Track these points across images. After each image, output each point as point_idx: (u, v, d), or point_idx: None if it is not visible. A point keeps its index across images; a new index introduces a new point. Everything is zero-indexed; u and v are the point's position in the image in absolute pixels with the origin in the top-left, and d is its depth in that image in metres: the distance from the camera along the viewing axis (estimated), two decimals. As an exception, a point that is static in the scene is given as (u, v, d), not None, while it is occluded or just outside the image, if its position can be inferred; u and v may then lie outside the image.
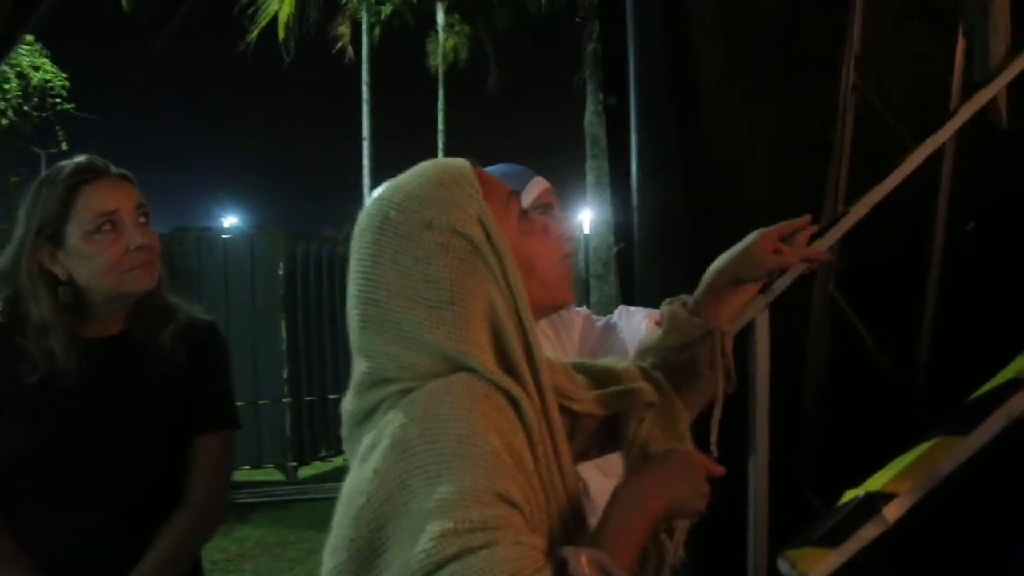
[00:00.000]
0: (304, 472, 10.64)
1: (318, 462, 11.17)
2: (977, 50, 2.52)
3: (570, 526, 1.21)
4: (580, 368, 1.50)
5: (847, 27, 2.87)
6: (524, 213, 1.31)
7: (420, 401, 1.13)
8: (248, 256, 10.41)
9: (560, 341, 2.39)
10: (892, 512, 1.18)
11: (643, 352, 1.67)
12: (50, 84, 17.66)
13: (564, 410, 1.31)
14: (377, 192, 1.30)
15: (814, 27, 2.91)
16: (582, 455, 1.46)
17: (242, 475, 9.04)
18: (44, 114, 17.97)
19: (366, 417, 1.21)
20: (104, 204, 2.00)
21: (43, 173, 2.05)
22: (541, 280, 1.28)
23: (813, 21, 2.90)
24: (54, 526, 2.00)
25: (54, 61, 17.81)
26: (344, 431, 1.26)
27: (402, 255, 1.21)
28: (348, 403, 1.25)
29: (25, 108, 17.77)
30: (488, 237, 1.22)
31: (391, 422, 1.13)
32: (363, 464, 1.14)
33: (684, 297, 1.64)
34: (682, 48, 2.77)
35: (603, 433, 1.49)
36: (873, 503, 1.19)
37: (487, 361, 1.18)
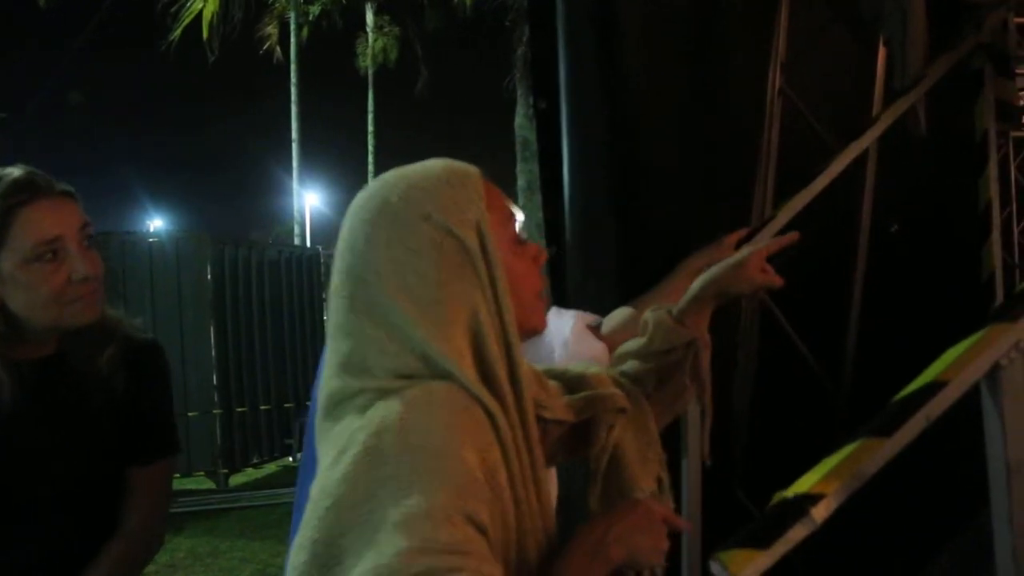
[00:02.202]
0: (236, 480, 10.48)
1: (250, 468, 11.02)
2: (897, 59, 2.59)
3: (542, 542, 1.20)
4: (551, 374, 1.50)
5: (773, 33, 2.92)
6: (519, 237, 1.30)
7: (398, 409, 1.10)
8: (174, 261, 10.20)
9: None
10: (820, 513, 1.21)
11: (621, 356, 1.67)
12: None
13: (535, 417, 1.29)
14: (382, 176, 1.28)
15: (740, 32, 2.95)
16: (548, 459, 1.45)
17: (173, 484, 8.83)
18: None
19: (337, 405, 1.18)
20: (46, 230, 1.75)
21: None
22: (520, 302, 1.25)
23: (740, 27, 2.95)
24: None
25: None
26: (317, 418, 1.22)
27: (396, 242, 1.19)
28: (324, 385, 1.21)
29: (-66, 107, 17.22)
30: (483, 246, 1.20)
31: (365, 428, 1.10)
32: (333, 467, 1.09)
33: (668, 306, 1.63)
34: (611, 52, 2.79)
35: (571, 439, 1.47)
36: (801, 505, 1.22)
37: (467, 369, 1.15)
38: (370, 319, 1.18)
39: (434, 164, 1.27)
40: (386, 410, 1.09)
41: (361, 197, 1.26)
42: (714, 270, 1.73)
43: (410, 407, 1.09)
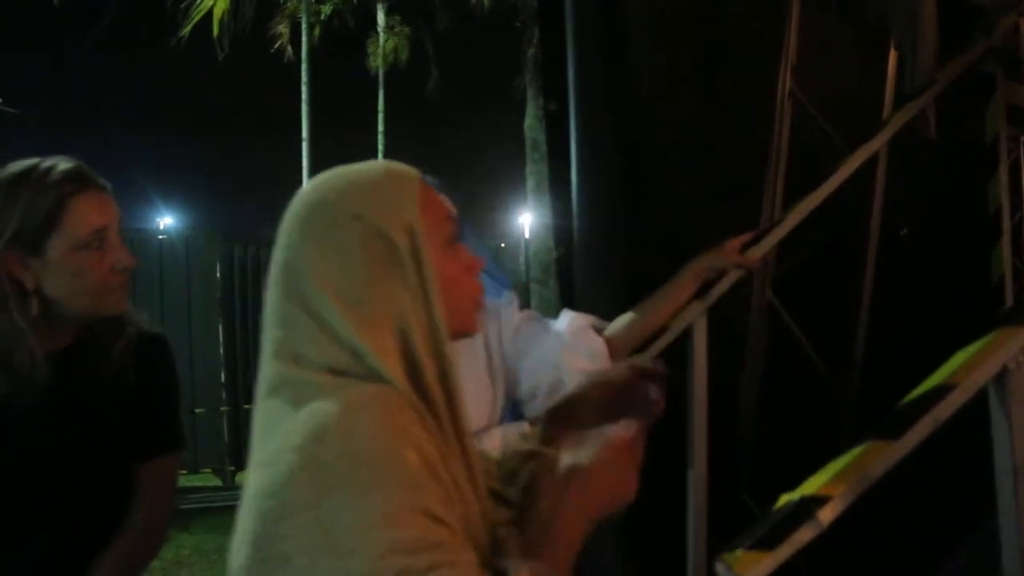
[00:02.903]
0: (242, 477, 10.41)
1: (257, 466, 10.99)
2: (907, 63, 2.59)
3: (483, 539, 1.21)
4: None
5: (784, 36, 2.92)
6: (454, 241, 1.31)
7: (335, 412, 1.11)
8: (184, 258, 10.20)
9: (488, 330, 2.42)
10: (826, 515, 1.21)
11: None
12: (-27, 79, 17.19)
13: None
14: (324, 173, 1.30)
15: (751, 35, 2.95)
16: None
17: (179, 480, 8.84)
18: (-32, 110, 17.48)
19: (272, 391, 1.20)
20: (96, 219, 1.84)
21: (9, 172, 1.83)
22: (451, 306, 1.26)
23: (750, 29, 2.95)
24: None
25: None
26: (256, 402, 1.23)
27: (326, 239, 1.21)
28: (261, 371, 1.23)
29: (-53, 103, 17.29)
30: (414, 247, 1.22)
31: (300, 431, 1.11)
32: (269, 466, 1.12)
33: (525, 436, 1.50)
34: (620, 55, 2.79)
35: None
36: (807, 507, 1.21)
37: (393, 367, 1.17)
38: (303, 310, 1.20)
39: (374, 165, 1.30)
40: (322, 415, 1.11)
41: (302, 192, 1.28)
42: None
43: (346, 411, 1.11)
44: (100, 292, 1.87)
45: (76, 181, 1.84)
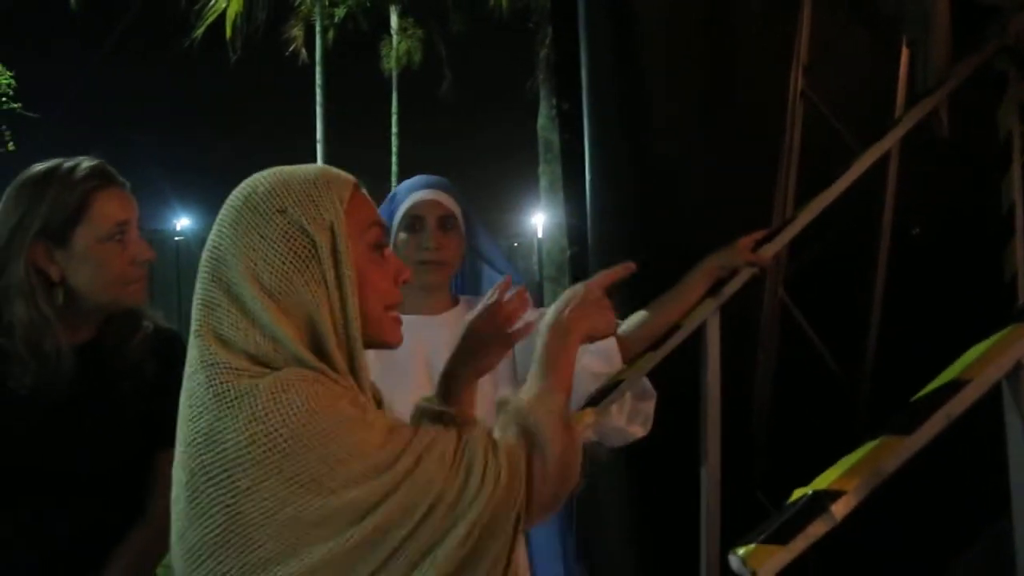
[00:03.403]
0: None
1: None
2: (920, 61, 2.59)
3: None
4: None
5: (795, 35, 2.93)
6: (380, 247, 1.38)
7: (263, 395, 1.19)
8: (200, 259, 10.28)
9: None
10: (839, 510, 1.21)
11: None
12: (-4, 83, 17.28)
13: None
14: (264, 170, 1.38)
15: (762, 34, 2.96)
16: None
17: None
18: (-10, 113, 17.57)
19: (197, 371, 1.27)
20: (118, 213, 1.96)
21: (37, 170, 1.95)
22: (365, 310, 1.33)
23: (761, 28, 2.95)
24: (15, 547, 1.93)
25: (0, 60, 17.44)
26: (184, 375, 1.32)
27: (253, 230, 1.28)
28: (189, 349, 1.31)
29: (-30, 107, 17.37)
30: (333, 246, 1.29)
31: (236, 415, 1.19)
32: (212, 448, 1.20)
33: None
34: (633, 55, 2.80)
35: None
36: (821, 501, 1.22)
37: (308, 355, 1.25)
38: (227, 296, 1.28)
39: (311, 166, 1.38)
40: (252, 397, 1.19)
41: (241, 184, 1.37)
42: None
43: (276, 390, 1.19)
44: (121, 283, 1.97)
45: (100, 178, 1.95)
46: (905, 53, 2.79)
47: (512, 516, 1.22)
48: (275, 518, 1.15)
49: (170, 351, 2.09)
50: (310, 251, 1.28)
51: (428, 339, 2.26)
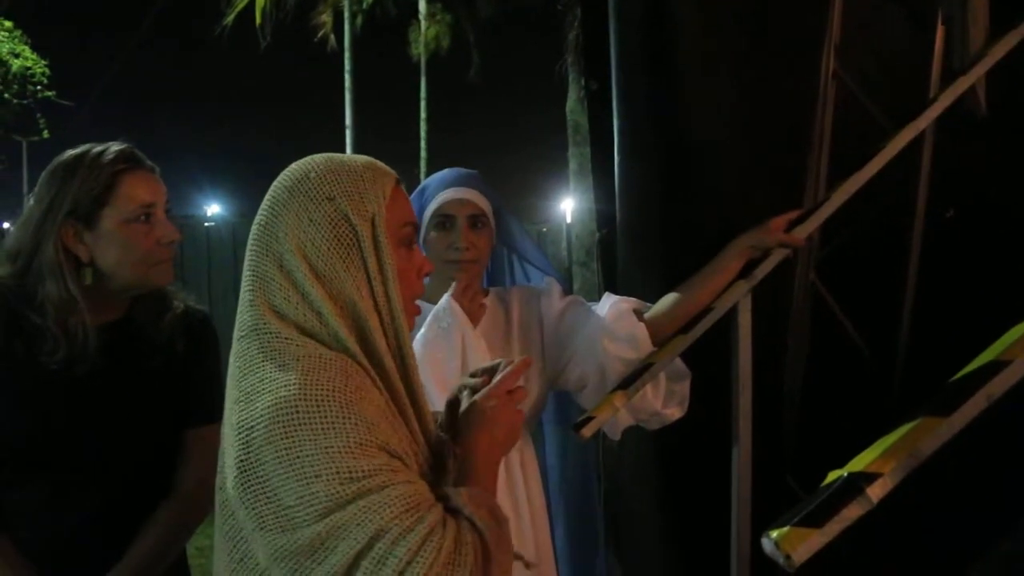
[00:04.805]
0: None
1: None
2: (956, 38, 2.53)
3: (429, 476, 1.43)
4: None
5: (827, 15, 2.88)
6: (411, 245, 1.49)
7: (303, 367, 1.28)
8: (231, 245, 10.39)
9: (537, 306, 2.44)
10: (876, 492, 1.19)
11: None
12: (31, 71, 17.42)
13: None
14: (315, 155, 1.46)
15: (793, 15, 2.91)
16: None
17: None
18: (25, 102, 17.73)
19: (249, 335, 1.36)
20: (145, 195, 2.02)
21: (69, 154, 2.02)
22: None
23: (792, 9, 2.90)
24: (49, 515, 1.97)
25: (33, 48, 17.58)
26: (234, 339, 1.42)
27: (304, 212, 1.37)
28: (239, 315, 1.41)
29: (6, 96, 17.53)
30: (375, 237, 1.38)
31: (272, 378, 1.28)
32: (248, 404, 1.29)
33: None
34: (661, 34, 2.76)
35: None
36: (856, 483, 1.20)
37: (349, 338, 1.34)
38: (279, 270, 1.36)
39: (359, 158, 1.47)
40: (292, 366, 1.29)
41: (291, 167, 1.46)
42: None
43: (312, 366, 1.28)
44: (147, 264, 2.02)
45: (127, 161, 2.02)
46: (940, 31, 2.73)
47: None
48: (269, 483, 1.23)
49: (201, 331, 2.18)
50: (352, 240, 1.36)
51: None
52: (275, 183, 1.45)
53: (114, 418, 2.01)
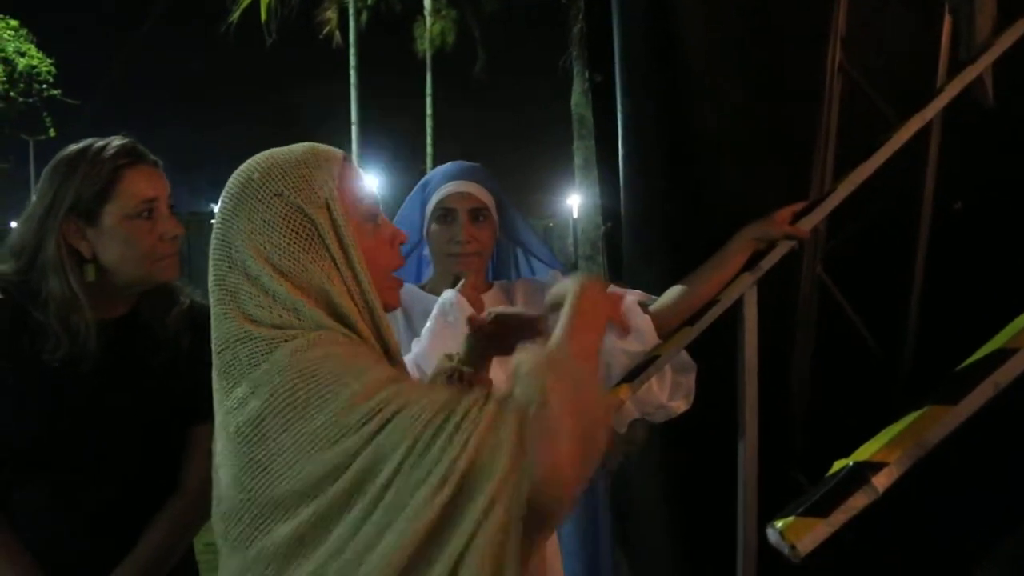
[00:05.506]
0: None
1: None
2: (963, 29, 2.52)
3: None
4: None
5: (832, 7, 2.86)
6: (375, 219, 1.45)
7: (291, 353, 1.25)
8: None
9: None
10: (881, 481, 1.18)
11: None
12: (36, 70, 17.46)
13: None
14: (255, 156, 1.44)
15: (798, 7, 2.90)
16: None
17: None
18: (31, 100, 17.77)
19: (230, 346, 1.32)
20: (147, 190, 2.00)
21: (71, 149, 2.00)
22: (371, 275, 1.40)
23: (797, 1, 2.89)
24: (51, 514, 1.96)
25: (39, 46, 17.62)
26: (213, 356, 1.36)
27: (256, 214, 1.35)
28: (214, 330, 1.37)
29: (11, 94, 17.57)
30: (333, 224, 1.36)
31: (264, 376, 1.25)
32: (245, 407, 1.25)
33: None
34: (666, 26, 2.75)
35: None
36: (862, 472, 1.19)
37: (329, 320, 1.32)
38: (246, 279, 1.33)
39: (299, 146, 1.44)
40: (280, 357, 1.25)
41: (233, 175, 1.42)
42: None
43: (300, 349, 1.25)
44: (150, 259, 2.00)
45: (129, 155, 2.00)
46: (947, 21, 2.72)
47: (499, 463, 1.13)
48: (294, 468, 1.19)
49: (207, 326, 2.12)
50: (311, 230, 1.34)
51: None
52: (223, 194, 1.41)
53: (118, 415, 2.00)
